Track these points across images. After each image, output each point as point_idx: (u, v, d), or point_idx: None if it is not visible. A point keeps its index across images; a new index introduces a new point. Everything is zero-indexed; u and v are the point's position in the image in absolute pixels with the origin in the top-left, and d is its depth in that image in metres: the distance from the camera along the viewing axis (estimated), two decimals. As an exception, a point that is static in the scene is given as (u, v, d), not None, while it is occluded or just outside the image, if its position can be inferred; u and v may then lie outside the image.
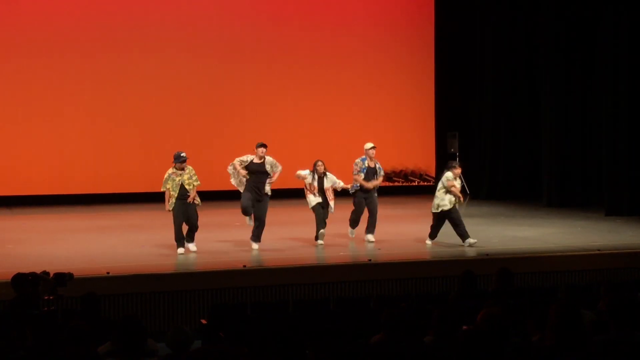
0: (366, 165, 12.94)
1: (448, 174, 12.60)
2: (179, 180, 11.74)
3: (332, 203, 12.77)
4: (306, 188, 12.81)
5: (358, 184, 12.92)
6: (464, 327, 5.81)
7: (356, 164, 12.96)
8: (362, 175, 12.88)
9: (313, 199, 12.70)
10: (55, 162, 18.68)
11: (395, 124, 20.69)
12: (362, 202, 12.98)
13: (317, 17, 20.37)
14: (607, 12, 16.78)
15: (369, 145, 13.01)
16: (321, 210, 12.70)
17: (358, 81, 20.55)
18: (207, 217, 13.08)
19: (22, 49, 18.49)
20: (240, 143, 18.96)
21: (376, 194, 13.17)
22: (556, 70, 18.27)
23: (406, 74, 20.89)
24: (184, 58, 19.37)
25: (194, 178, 11.86)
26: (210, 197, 14.92)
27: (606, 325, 5.81)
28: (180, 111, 19.38)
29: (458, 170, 12.73)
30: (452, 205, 12.55)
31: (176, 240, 11.93)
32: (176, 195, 11.72)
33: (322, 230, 12.64)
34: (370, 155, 12.97)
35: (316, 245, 12.59)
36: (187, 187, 11.77)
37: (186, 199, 11.79)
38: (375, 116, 20.55)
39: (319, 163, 12.77)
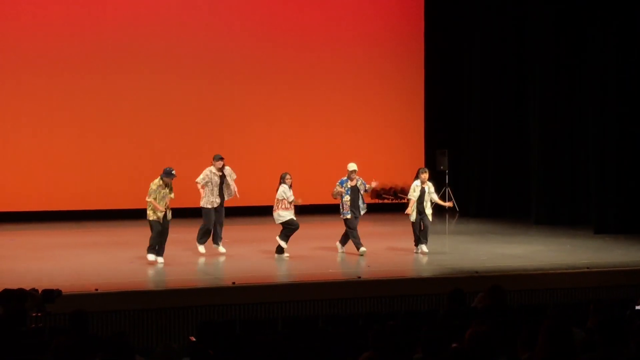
0: (348, 186, 13.07)
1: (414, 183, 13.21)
2: (164, 193, 12.23)
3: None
4: (283, 204, 12.79)
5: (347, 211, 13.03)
6: (453, 345, 5.81)
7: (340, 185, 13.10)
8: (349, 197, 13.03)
9: (287, 214, 12.76)
10: (43, 178, 18.60)
11: (384, 142, 20.73)
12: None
13: (306, 35, 20.41)
14: (595, 30, 16.88)
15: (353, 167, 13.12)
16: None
17: (348, 99, 20.58)
18: (195, 234, 13.11)
19: (10, 64, 18.46)
20: (230, 160, 18.99)
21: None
22: (544, 89, 18.35)
23: (396, 91, 20.95)
24: (172, 76, 19.36)
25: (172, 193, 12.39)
26: (192, 214, 14.71)
27: (595, 344, 5.81)
28: (168, 129, 19.35)
29: (424, 176, 13.14)
30: (412, 212, 13.13)
31: (150, 247, 12.24)
32: (163, 206, 12.21)
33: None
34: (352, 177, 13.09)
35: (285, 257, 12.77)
36: (167, 200, 12.30)
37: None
38: (365, 134, 20.58)
39: (288, 176, 12.85)
